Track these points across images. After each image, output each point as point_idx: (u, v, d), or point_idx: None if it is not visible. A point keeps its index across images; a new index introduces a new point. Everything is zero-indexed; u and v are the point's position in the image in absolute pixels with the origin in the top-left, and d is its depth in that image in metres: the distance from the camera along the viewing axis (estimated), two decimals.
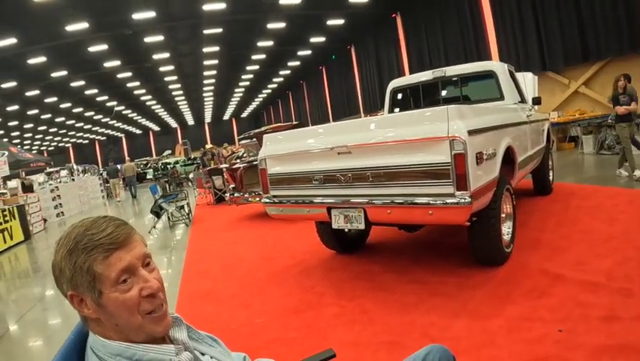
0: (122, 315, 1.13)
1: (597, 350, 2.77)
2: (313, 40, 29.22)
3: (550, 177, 7.84)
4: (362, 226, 4.40)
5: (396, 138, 4.01)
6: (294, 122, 13.97)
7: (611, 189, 7.60)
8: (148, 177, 33.14)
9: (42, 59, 22.27)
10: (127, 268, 1.14)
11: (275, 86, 46.64)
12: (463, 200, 3.65)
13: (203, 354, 1.34)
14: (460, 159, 3.62)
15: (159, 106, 47.27)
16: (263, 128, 10.77)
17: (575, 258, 4.43)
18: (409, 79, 7.34)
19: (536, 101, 6.94)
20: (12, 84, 25.94)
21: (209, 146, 38.88)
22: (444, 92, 6.92)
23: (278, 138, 5.26)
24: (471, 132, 3.72)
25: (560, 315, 3.29)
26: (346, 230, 5.52)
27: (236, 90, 46.31)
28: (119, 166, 23.52)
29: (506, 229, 4.72)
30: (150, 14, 19.61)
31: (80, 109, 39.07)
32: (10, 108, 32.42)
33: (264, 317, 4.21)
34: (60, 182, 18.86)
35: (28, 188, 14.72)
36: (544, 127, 7.68)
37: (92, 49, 22.60)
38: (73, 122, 45.69)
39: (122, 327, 1.14)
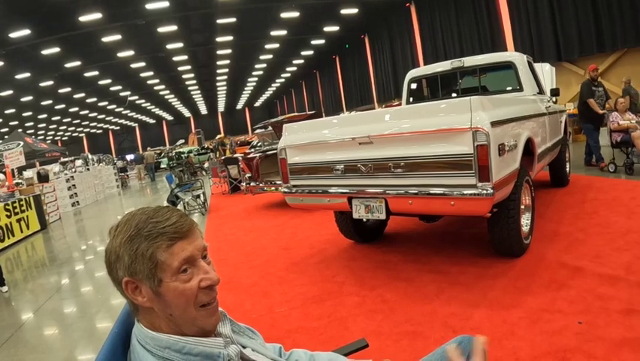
0: (178, 305, 1.12)
1: (617, 343, 2.78)
2: (327, 29, 29.19)
3: (567, 169, 7.81)
4: (383, 216, 4.40)
5: (419, 129, 4.00)
6: (311, 112, 13.96)
7: (629, 181, 7.55)
8: (162, 166, 33.29)
9: (56, 49, 22.44)
10: (189, 258, 1.13)
11: (288, 75, 46.69)
12: (485, 191, 3.66)
13: (244, 347, 1.34)
14: (482, 151, 3.63)
15: (172, 95, 47.54)
16: (279, 118, 10.80)
17: (593, 251, 4.43)
18: (426, 69, 7.28)
19: (555, 92, 6.90)
20: (26, 75, 26.19)
21: (220, 135, 39.08)
22: (462, 83, 6.89)
23: (298, 128, 5.24)
24: (494, 124, 3.72)
25: (580, 307, 3.30)
26: (365, 220, 5.54)
27: (249, 80, 46.42)
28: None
29: (525, 220, 4.72)
30: (164, 4, 19.72)
31: (94, 99, 39.38)
32: (24, 99, 32.72)
33: (284, 307, 4.23)
34: (75, 172, 19.01)
35: (43, 178, 14.83)
36: (562, 118, 7.64)
37: (106, 39, 22.76)
38: (87, 112, 46.09)
39: (176, 318, 1.14)
